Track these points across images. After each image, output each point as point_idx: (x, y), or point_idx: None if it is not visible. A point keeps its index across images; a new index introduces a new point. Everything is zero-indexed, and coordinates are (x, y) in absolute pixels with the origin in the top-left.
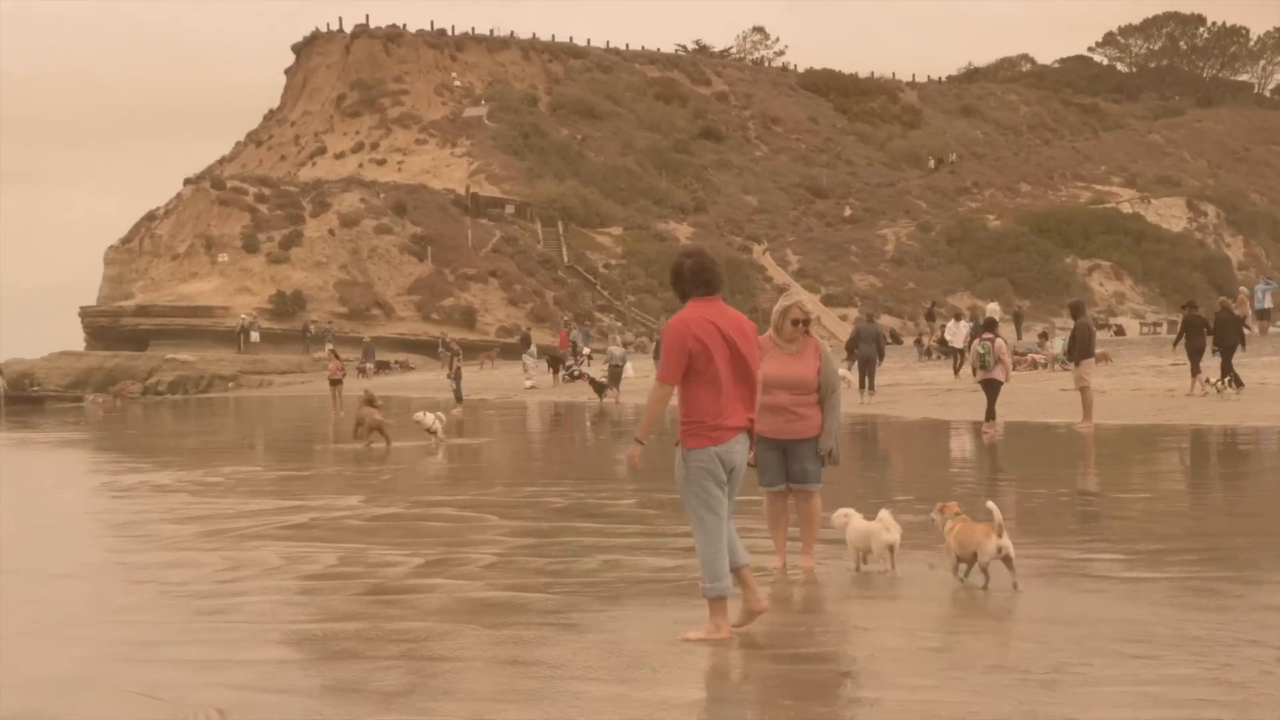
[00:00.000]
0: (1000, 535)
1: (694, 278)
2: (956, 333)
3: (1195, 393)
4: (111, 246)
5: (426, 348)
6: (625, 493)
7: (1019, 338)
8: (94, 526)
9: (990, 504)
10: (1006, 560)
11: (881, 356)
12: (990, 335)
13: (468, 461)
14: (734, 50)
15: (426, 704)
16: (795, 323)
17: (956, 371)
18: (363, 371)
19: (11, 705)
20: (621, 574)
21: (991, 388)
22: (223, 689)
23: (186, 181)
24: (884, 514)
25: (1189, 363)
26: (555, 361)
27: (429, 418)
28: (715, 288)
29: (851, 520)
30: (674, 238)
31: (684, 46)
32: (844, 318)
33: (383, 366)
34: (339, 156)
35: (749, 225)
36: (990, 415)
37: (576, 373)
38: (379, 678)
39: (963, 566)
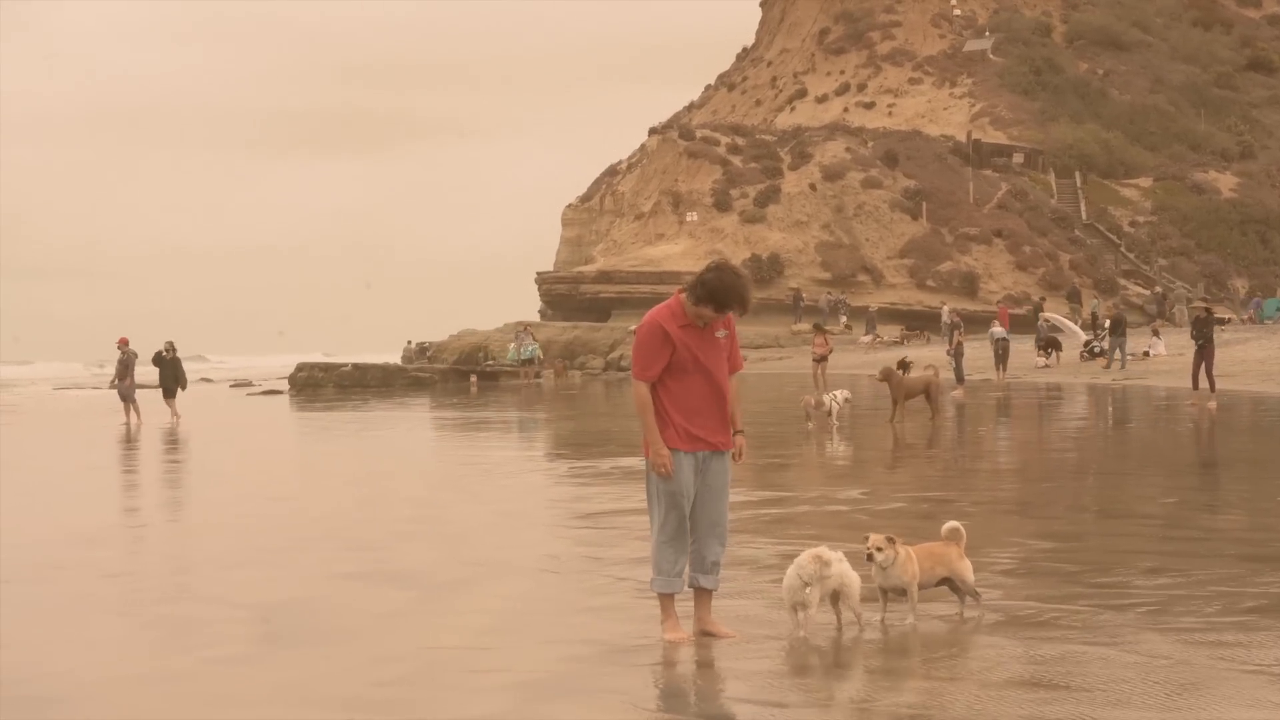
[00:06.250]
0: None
1: None
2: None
3: None
4: (569, 205)
5: (921, 319)
6: (1159, 489)
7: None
8: (560, 515)
9: (953, 522)
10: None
11: None
12: None
13: (973, 450)
14: None
15: None
16: None
17: None
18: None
19: (489, 707)
20: (1164, 585)
21: None
22: (719, 700)
23: (651, 131)
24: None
25: None
26: (1051, 342)
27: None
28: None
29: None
30: (1214, 189)
31: None
32: None
33: (911, 335)
34: (821, 100)
35: None
36: None
37: (1096, 349)
38: (885, 695)
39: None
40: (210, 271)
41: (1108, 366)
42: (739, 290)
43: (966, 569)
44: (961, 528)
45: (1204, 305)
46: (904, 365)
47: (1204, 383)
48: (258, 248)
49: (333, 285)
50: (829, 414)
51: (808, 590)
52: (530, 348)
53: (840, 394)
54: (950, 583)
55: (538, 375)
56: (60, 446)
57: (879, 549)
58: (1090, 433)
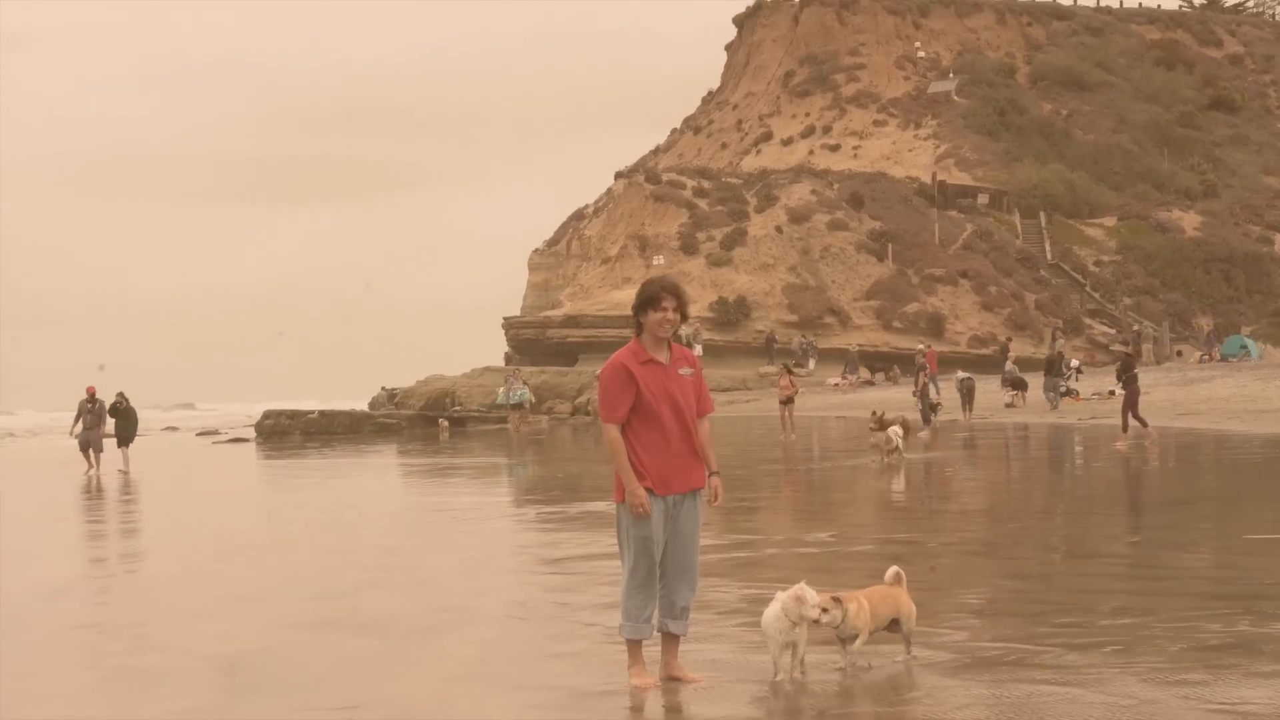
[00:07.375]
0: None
1: None
2: None
3: None
4: (536, 250)
5: (888, 360)
6: (1125, 528)
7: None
8: (528, 560)
9: (895, 567)
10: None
11: None
12: None
13: (938, 491)
14: (1250, 4)
15: None
16: None
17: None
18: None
19: None
20: (1131, 624)
21: None
22: None
23: (618, 175)
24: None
25: None
26: (1018, 382)
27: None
28: None
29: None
30: (1178, 228)
31: (1189, 1)
32: None
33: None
34: (786, 143)
35: (1270, 213)
36: None
37: (1063, 389)
38: None
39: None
40: (180, 320)
41: (1053, 407)
42: (662, 281)
43: (912, 611)
44: (902, 571)
45: (1124, 350)
46: (935, 408)
47: (1143, 421)
48: (226, 296)
49: (304, 332)
50: (896, 450)
51: (797, 630)
52: (519, 392)
53: (897, 430)
54: (896, 623)
55: (504, 420)
56: (24, 496)
57: (825, 610)
58: (1056, 472)
